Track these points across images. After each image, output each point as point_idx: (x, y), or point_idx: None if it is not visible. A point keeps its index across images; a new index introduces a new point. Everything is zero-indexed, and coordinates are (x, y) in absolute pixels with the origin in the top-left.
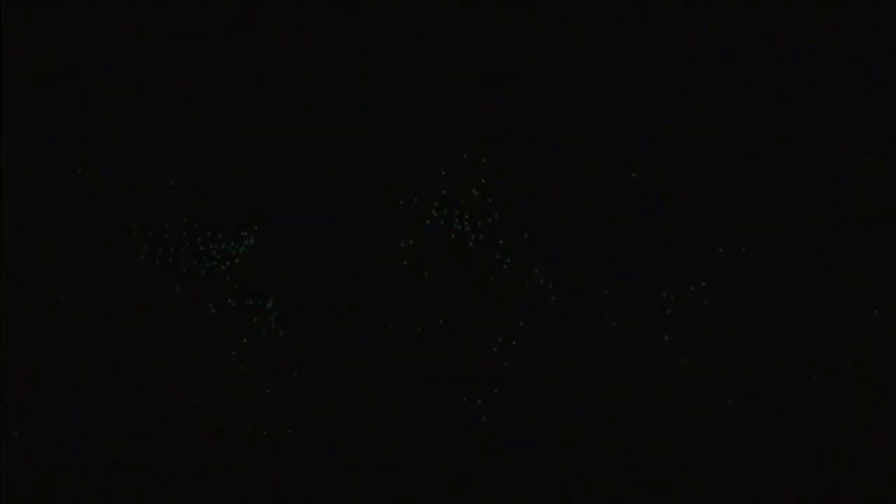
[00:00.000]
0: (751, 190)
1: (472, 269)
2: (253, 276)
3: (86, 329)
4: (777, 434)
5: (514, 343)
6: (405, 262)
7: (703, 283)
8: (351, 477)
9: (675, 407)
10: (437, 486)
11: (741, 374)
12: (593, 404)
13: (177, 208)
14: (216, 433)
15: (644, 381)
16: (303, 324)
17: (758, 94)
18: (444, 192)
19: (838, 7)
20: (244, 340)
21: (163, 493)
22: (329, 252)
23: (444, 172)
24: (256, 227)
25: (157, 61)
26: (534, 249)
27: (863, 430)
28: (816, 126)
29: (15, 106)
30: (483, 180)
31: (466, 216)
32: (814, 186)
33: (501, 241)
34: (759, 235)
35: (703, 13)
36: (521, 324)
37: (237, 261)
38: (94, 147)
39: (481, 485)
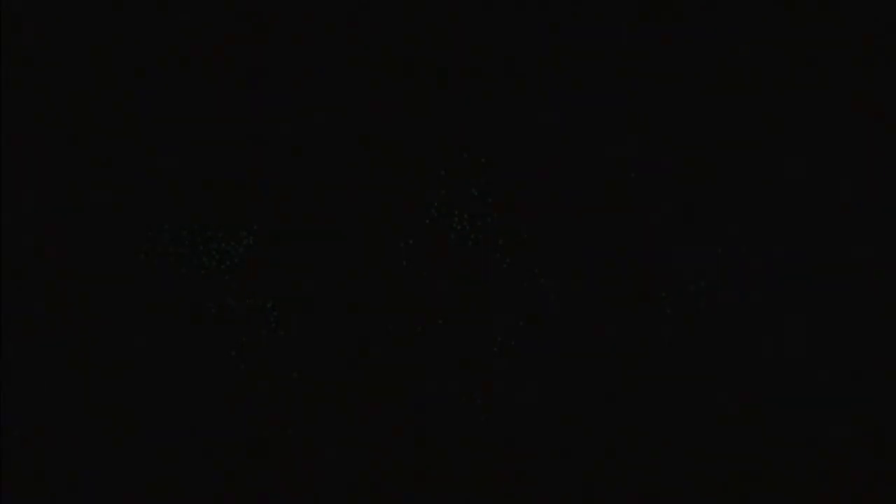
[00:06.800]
0: (750, 190)
1: (472, 269)
2: (253, 276)
3: (86, 329)
4: (776, 434)
5: (513, 343)
6: (405, 262)
7: (703, 283)
8: (351, 476)
9: (675, 406)
10: (437, 486)
11: (740, 373)
12: (593, 404)
13: (177, 208)
14: (216, 433)
15: (644, 380)
16: (303, 324)
17: (757, 95)
18: (445, 192)
19: (839, 8)
20: (244, 340)
21: (163, 493)
22: (329, 252)
23: (444, 172)
24: (256, 227)
25: (157, 60)
26: (534, 249)
27: (862, 431)
28: (816, 126)
29: (15, 106)
30: (483, 180)
31: (466, 216)
32: (813, 188)
33: (501, 241)
34: (759, 236)
35: (703, 13)
36: (521, 324)
37: (237, 261)
38: (95, 147)
39: (481, 484)
